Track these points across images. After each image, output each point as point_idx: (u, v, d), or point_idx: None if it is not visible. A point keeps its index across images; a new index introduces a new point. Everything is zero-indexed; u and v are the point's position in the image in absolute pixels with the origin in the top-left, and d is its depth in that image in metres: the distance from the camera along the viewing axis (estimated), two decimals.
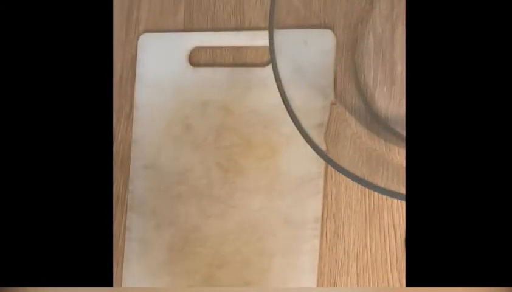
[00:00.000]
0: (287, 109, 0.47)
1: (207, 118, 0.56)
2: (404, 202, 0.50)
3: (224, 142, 0.56)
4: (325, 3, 0.53)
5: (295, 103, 0.48)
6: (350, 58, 0.54)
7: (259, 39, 0.58)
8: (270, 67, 0.55)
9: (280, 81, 0.47)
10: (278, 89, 0.47)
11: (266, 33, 0.54)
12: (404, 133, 0.51)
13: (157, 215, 0.56)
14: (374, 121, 0.52)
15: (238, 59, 0.58)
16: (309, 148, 0.51)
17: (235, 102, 0.57)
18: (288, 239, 0.53)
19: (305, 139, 0.46)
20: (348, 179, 0.45)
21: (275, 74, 0.48)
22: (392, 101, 0.52)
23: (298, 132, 0.50)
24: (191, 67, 0.59)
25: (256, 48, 0.58)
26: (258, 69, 0.57)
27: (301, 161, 0.54)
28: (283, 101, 0.47)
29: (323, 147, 0.47)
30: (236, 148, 0.55)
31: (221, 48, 0.59)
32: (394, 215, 0.51)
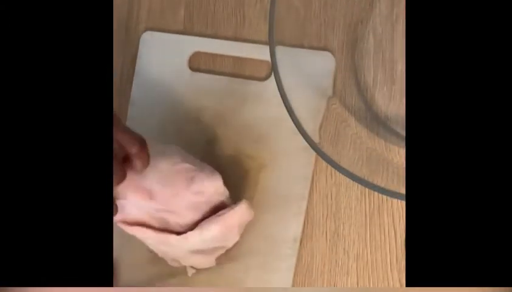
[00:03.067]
0: (286, 108, 0.47)
1: (200, 124, 0.56)
2: (404, 202, 0.50)
3: (215, 150, 0.56)
4: (325, 3, 0.53)
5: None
6: (350, 58, 0.54)
7: (260, 52, 0.57)
8: (267, 82, 0.56)
9: (280, 79, 0.47)
10: (278, 87, 0.47)
11: (267, 48, 0.55)
12: (404, 133, 0.51)
13: None
14: (374, 121, 0.52)
15: (237, 69, 0.58)
16: (296, 168, 0.53)
17: (230, 112, 0.57)
18: (265, 256, 0.53)
19: (304, 137, 0.46)
20: (348, 179, 0.45)
21: (274, 71, 0.48)
22: (392, 101, 0.52)
23: (287, 151, 0.53)
24: (190, 71, 0.59)
25: (257, 61, 0.58)
26: (255, 83, 0.57)
27: (287, 180, 0.54)
28: (283, 100, 0.47)
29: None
30: (226, 158, 0.55)
31: (221, 55, 0.59)
32: (394, 215, 0.51)
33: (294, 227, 0.53)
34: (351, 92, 0.53)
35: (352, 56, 0.54)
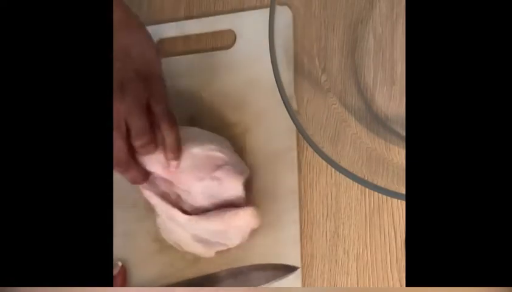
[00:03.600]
0: (283, 99, 0.47)
1: (178, 106, 0.56)
2: (404, 202, 0.50)
3: (199, 126, 0.56)
4: (325, 3, 0.53)
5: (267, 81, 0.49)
6: (350, 58, 0.54)
7: (221, 23, 0.59)
8: (233, 49, 0.58)
9: (280, 79, 0.47)
10: (276, 81, 0.47)
11: (227, 17, 0.58)
12: (404, 133, 0.51)
13: (138, 208, 0.56)
14: (374, 121, 0.52)
15: (202, 45, 0.60)
16: (279, 123, 0.54)
17: (204, 86, 0.58)
18: (269, 214, 0.53)
19: (303, 135, 0.46)
20: (348, 179, 0.45)
21: (275, 73, 0.48)
22: (392, 101, 0.52)
23: (267, 109, 0.54)
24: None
25: (219, 32, 0.60)
26: (222, 52, 0.58)
27: (273, 137, 0.55)
28: (281, 95, 0.47)
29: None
30: (211, 131, 0.56)
31: (185, 36, 0.61)
32: (394, 215, 0.51)
33: (289, 180, 0.53)
34: (351, 92, 0.53)
35: (352, 56, 0.54)
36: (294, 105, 0.48)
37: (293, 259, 0.51)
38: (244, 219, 0.50)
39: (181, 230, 0.52)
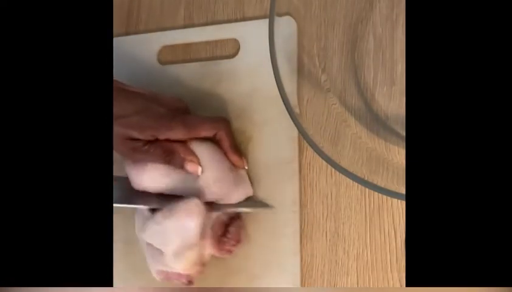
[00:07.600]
0: (284, 103, 0.47)
1: None
2: (404, 202, 0.50)
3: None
4: (325, 3, 0.53)
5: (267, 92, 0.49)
6: (350, 58, 0.54)
7: (226, 32, 0.59)
8: (237, 58, 0.58)
9: (280, 80, 0.47)
10: (278, 86, 0.47)
11: (231, 26, 0.58)
12: (404, 133, 0.51)
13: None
14: (374, 121, 0.52)
15: (206, 53, 0.60)
16: (281, 134, 0.54)
17: (207, 95, 0.58)
18: (269, 224, 0.53)
19: (303, 135, 0.46)
20: (348, 179, 0.45)
21: (275, 74, 0.48)
22: (392, 101, 0.52)
23: (269, 118, 0.55)
24: (160, 65, 0.60)
25: (223, 41, 0.60)
26: (226, 61, 0.58)
27: (274, 146, 0.54)
28: (283, 100, 0.47)
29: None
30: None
31: (189, 44, 0.61)
32: (394, 215, 0.51)
33: (290, 190, 0.53)
34: (351, 92, 0.53)
35: (352, 56, 0.54)
36: (297, 111, 0.48)
37: (293, 270, 0.51)
38: (183, 207, 0.49)
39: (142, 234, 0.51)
